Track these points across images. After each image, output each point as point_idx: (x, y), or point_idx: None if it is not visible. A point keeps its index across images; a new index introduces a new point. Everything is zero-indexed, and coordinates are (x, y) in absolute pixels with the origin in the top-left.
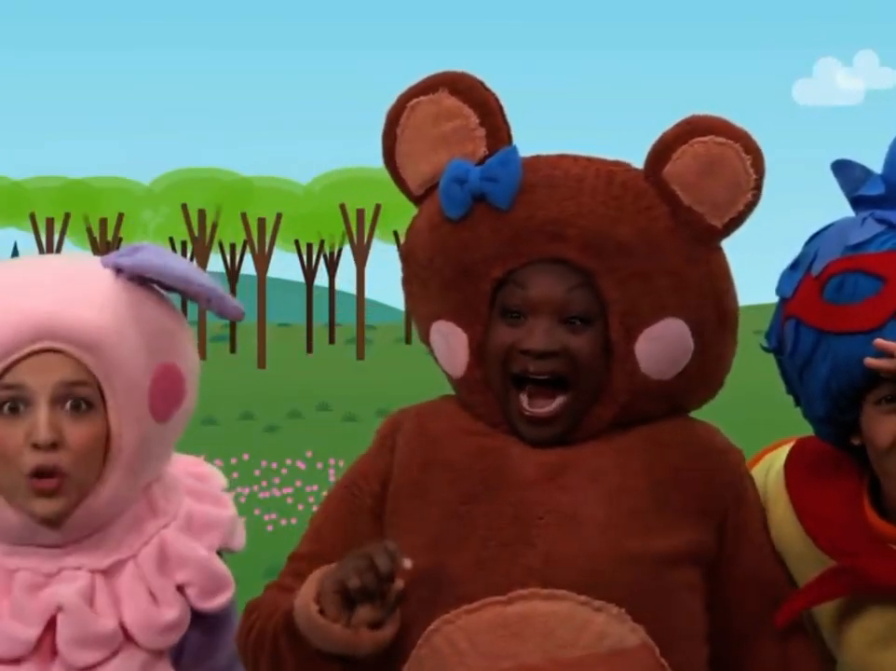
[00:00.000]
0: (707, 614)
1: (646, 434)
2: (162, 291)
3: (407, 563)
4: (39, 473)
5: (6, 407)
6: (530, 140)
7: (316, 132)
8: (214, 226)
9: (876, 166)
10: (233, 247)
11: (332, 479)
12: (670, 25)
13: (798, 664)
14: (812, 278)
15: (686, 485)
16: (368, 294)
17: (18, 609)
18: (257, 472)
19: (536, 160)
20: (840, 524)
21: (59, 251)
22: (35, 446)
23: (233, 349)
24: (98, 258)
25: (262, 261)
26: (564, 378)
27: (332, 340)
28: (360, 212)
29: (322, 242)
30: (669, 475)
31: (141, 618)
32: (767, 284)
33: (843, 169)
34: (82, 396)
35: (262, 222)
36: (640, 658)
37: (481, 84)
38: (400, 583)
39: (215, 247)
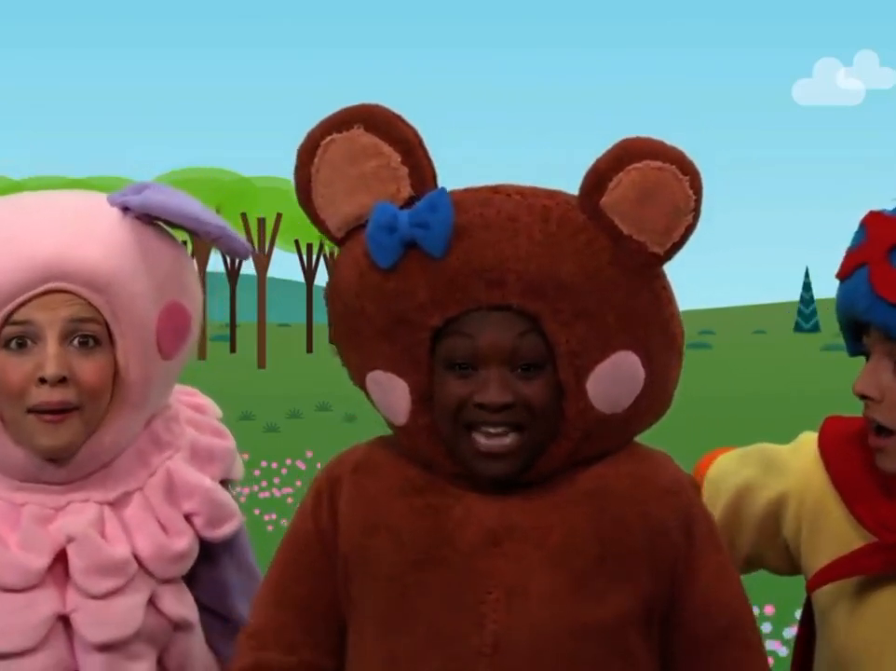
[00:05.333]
0: (655, 654)
1: (592, 483)
2: (167, 228)
3: None
4: (43, 409)
5: (13, 343)
6: (531, 140)
7: None
8: None
9: (877, 165)
10: None
11: None
12: (669, 24)
13: None
14: None
15: (635, 537)
16: None
17: (27, 539)
18: (257, 472)
19: (466, 198)
20: (885, 499)
21: None
22: (42, 381)
23: (233, 349)
24: (104, 196)
25: (262, 261)
26: (519, 424)
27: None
28: None
29: (322, 242)
30: (616, 530)
31: (152, 547)
32: (766, 284)
33: None
34: (90, 332)
35: (262, 222)
36: None
37: (398, 118)
38: None
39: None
